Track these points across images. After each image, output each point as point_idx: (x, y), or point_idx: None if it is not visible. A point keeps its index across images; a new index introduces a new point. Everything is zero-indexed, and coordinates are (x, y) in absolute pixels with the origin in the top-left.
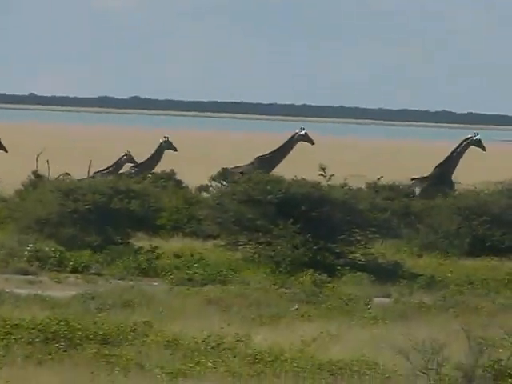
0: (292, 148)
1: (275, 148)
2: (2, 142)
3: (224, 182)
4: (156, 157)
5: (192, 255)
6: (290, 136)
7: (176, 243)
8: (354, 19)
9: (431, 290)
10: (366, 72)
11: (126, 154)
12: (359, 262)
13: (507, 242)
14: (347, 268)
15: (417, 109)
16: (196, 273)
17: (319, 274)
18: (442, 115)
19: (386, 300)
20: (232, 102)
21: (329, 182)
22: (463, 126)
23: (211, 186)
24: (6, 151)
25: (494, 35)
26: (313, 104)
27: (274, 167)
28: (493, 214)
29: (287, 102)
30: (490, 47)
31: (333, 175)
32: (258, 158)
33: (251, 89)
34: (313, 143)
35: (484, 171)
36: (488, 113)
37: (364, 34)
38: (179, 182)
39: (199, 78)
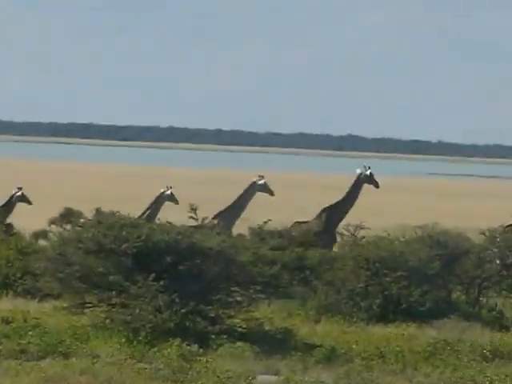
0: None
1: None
2: None
3: (67, 227)
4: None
5: (25, 320)
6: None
7: (5, 305)
8: None
9: (332, 365)
10: None
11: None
12: (239, 330)
13: (428, 303)
14: (224, 337)
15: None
16: (30, 343)
17: (188, 345)
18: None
19: (274, 378)
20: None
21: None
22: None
23: (51, 231)
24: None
25: None
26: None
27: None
28: (410, 267)
29: None
30: None
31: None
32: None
33: None
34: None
35: (401, 212)
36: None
37: None
38: (9, 227)
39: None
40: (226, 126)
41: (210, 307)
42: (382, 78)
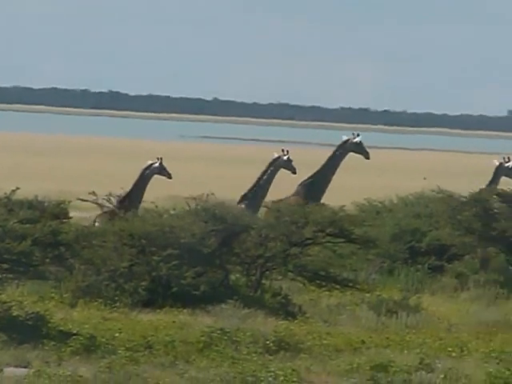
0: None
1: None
2: None
3: None
4: None
5: None
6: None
7: None
8: None
9: (91, 356)
10: None
11: None
12: None
13: (203, 286)
14: None
15: None
16: None
17: None
18: None
19: (23, 371)
20: None
21: None
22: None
23: None
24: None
25: None
26: None
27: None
28: (182, 245)
29: None
30: None
31: None
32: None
33: None
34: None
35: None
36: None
37: None
38: None
39: None
40: None
41: None
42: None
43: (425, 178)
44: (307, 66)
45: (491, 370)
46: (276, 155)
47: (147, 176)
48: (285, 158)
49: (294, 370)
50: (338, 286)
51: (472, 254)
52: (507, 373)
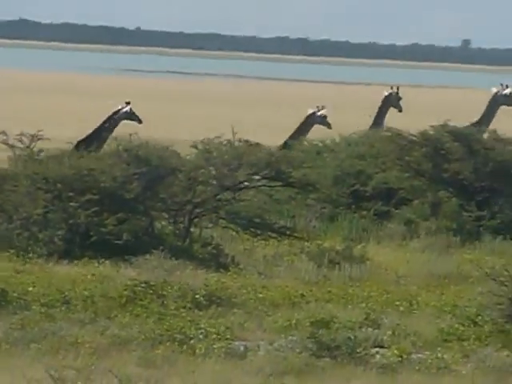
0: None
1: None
2: None
3: None
4: None
5: None
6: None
7: None
8: None
9: (2, 312)
10: None
11: None
12: None
13: (126, 235)
14: None
15: None
16: None
17: None
18: None
19: None
20: None
21: None
22: None
23: None
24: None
25: None
26: None
27: None
28: (102, 189)
29: None
30: None
31: None
32: None
33: None
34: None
35: None
36: None
37: None
38: None
39: None
40: None
41: None
42: None
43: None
44: None
45: (443, 325)
46: (311, 111)
47: (115, 121)
48: (319, 113)
49: (227, 328)
50: (274, 235)
51: (422, 198)
52: (461, 328)
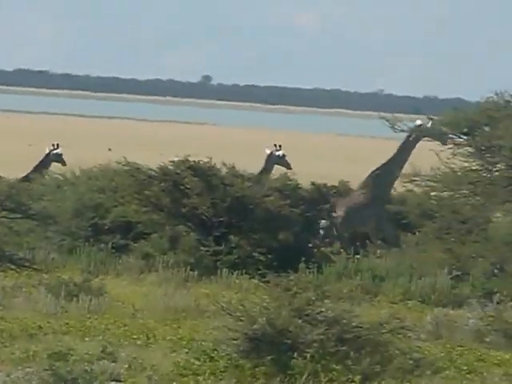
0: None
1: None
2: None
3: None
4: None
5: None
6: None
7: None
8: None
9: None
10: None
11: None
12: None
13: None
14: None
15: None
16: None
17: None
18: None
19: None
20: None
21: None
22: None
23: None
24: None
25: None
26: None
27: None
28: None
29: None
30: None
31: None
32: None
33: None
34: None
35: None
36: None
37: None
38: None
39: None
40: None
41: None
42: None
43: (110, 149)
44: None
45: (179, 359)
46: (268, 151)
47: (48, 162)
48: (278, 153)
49: None
50: (13, 266)
51: (160, 232)
52: (197, 363)
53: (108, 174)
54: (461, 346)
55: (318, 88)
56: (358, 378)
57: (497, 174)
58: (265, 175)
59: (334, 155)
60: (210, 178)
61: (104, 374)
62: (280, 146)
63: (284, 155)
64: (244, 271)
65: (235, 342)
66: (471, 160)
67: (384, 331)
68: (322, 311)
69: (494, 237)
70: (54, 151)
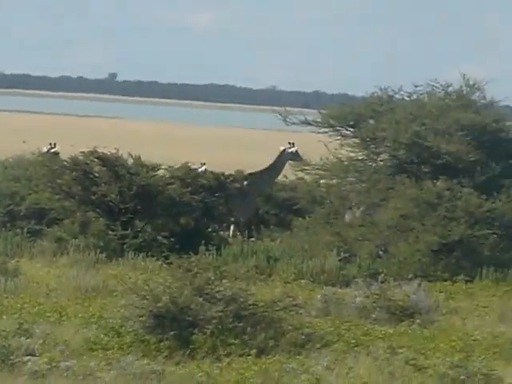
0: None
1: None
2: None
3: None
4: None
5: None
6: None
7: None
8: None
9: None
10: None
11: None
12: None
13: None
14: None
15: None
16: None
17: None
18: None
19: None
20: None
21: None
22: None
23: None
24: None
25: None
26: None
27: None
28: None
29: None
30: None
31: None
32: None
33: None
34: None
35: None
36: None
37: None
38: None
39: None
40: None
41: None
42: None
43: (24, 142)
44: None
45: (90, 335)
46: (281, 148)
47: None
48: (290, 150)
49: None
50: None
51: (72, 218)
52: (106, 338)
53: (23, 164)
54: (348, 322)
55: (213, 84)
56: (253, 351)
57: (381, 163)
58: (271, 172)
59: (229, 145)
60: (117, 167)
61: (20, 349)
62: (293, 144)
63: (297, 151)
64: (149, 253)
65: (141, 318)
66: (357, 150)
67: (278, 308)
68: (220, 290)
69: (378, 221)
70: None
